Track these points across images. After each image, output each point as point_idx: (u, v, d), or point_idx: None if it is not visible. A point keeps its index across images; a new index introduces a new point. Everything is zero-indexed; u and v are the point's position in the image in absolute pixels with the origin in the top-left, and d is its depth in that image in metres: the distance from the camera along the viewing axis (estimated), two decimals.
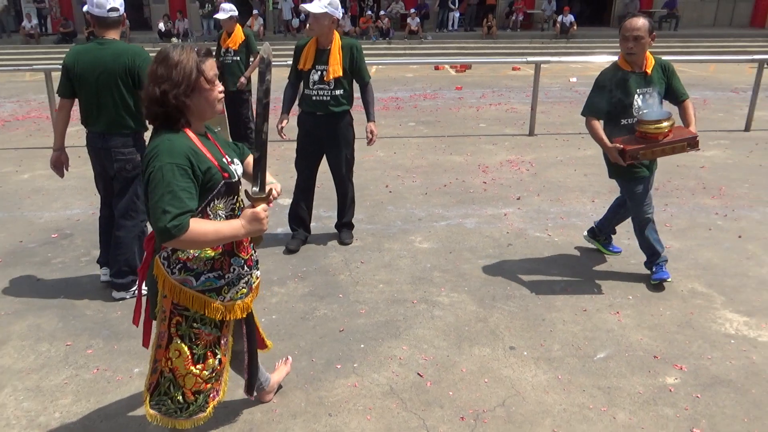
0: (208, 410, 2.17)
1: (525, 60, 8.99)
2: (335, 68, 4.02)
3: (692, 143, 3.48)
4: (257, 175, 1.96)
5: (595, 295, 3.73)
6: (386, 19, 20.06)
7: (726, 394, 2.79)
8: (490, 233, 4.68)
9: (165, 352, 2.06)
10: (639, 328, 3.33)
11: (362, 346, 3.16)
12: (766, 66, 8.40)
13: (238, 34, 6.49)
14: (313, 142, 4.26)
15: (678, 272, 3.99)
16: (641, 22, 3.46)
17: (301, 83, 4.20)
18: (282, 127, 4.24)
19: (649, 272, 3.87)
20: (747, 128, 8.25)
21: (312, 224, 4.67)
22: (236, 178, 2.02)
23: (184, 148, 1.84)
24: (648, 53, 3.57)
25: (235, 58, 6.50)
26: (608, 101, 3.57)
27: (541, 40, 19.86)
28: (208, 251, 1.97)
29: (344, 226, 4.55)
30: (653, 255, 3.80)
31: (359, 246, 4.45)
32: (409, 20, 20.05)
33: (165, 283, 1.98)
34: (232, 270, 2.05)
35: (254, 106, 6.84)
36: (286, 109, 4.24)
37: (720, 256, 4.25)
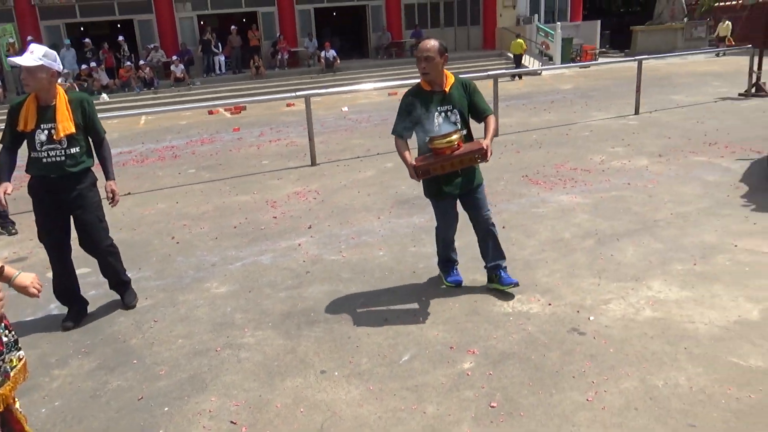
0: None
1: (296, 95, 9.26)
2: (65, 125, 3.64)
3: (480, 154, 3.55)
4: None
5: (392, 303, 3.94)
6: (147, 68, 19.19)
7: (512, 366, 3.13)
8: (287, 265, 4.69)
9: None
10: (434, 325, 3.59)
11: (166, 409, 2.94)
12: (501, 79, 9.74)
13: None
14: (53, 209, 3.76)
15: (460, 267, 4.38)
16: (432, 43, 3.60)
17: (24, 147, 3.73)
18: (5, 194, 3.61)
19: (440, 274, 4.22)
20: (495, 134, 9.44)
21: (92, 292, 4.25)
22: None
23: None
24: (447, 72, 3.70)
25: None
26: (411, 120, 3.70)
27: (309, 75, 20.64)
28: None
29: (120, 286, 4.15)
30: (449, 262, 4.15)
31: (150, 305, 4.15)
32: (173, 68, 19.41)
33: None
34: None
35: None
36: (6, 177, 3.67)
37: None
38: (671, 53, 19.28)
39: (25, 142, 3.71)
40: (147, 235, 5.63)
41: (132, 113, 11.12)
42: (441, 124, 3.65)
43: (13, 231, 6.01)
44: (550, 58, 21.87)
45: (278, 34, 22.50)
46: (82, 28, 22.73)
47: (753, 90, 11.80)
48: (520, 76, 19.17)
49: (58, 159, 3.66)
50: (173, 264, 4.89)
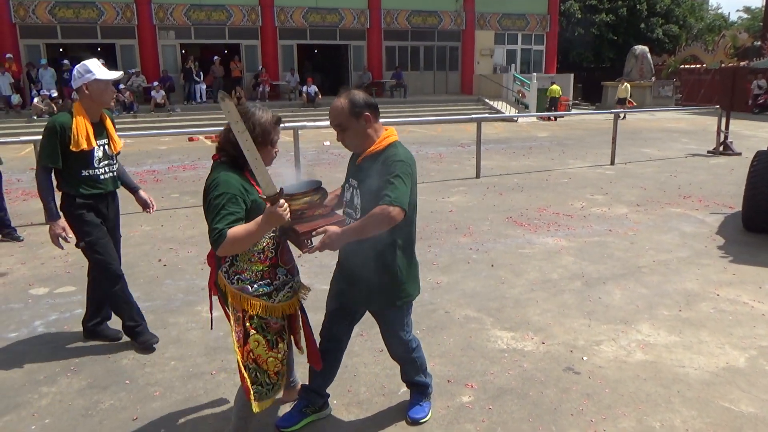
0: (281, 389, 2.60)
1: (284, 126, 9.31)
2: (117, 139, 3.64)
3: (297, 238, 2.48)
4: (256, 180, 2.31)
5: None
6: (128, 92, 19.07)
7: (511, 401, 3.15)
8: None
9: (246, 347, 2.44)
10: (431, 357, 3.58)
11: (163, 430, 2.86)
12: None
13: None
14: (102, 223, 3.60)
15: (451, 303, 4.43)
16: (339, 104, 2.56)
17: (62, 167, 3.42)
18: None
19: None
20: (477, 176, 9.65)
21: (78, 311, 4.14)
22: None
23: None
24: (388, 134, 2.62)
25: None
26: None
27: (290, 108, 20.78)
28: (257, 264, 2.45)
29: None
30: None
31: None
32: (153, 93, 19.36)
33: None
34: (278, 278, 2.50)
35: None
36: (58, 210, 3.48)
37: (481, 284, 4.83)
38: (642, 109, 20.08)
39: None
40: (133, 256, 5.52)
41: None
42: (347, 200, 2.71)
43: (20, 238, 6.22)
44: (526, 107, 22.52)
45: (260, 67, 22.71)
46: (61, 50, 22.57)
47: (721, 148, 12.34)
48: (555, 118, 20.91)
49: (113, 174, 3.63)
50: (161, 287, 4.80)
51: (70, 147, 3.38)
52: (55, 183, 3.47)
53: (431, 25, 25.78)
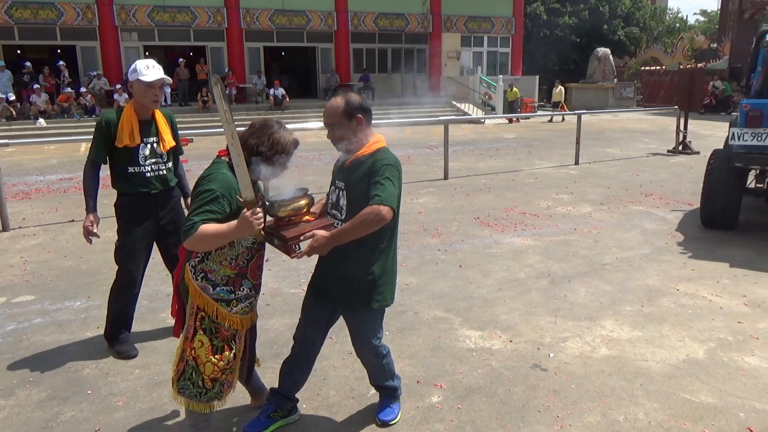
0: (223, 398, 2.58)
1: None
2: (168, 138, 3.61)
3: (284, 244, 2.47)
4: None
5: None
6: (89, 95, 18.64)
7: (480, 400, 3.17)
8: None
9: (190, 343, 2.48)
10: (400, 359, 3.60)
11: None
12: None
13: None
14: (147, 227, 3.61)
15: (420, 303, 4.45)
16: (335, 103, 2.62)
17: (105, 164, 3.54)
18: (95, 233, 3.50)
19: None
20: (445, 177, 9.72)
21: (36, 320, 4.03)
22: None
23: None
24: (376, 139, 2.67)
25: None
26: None
27: (257, 111, 20.60)
28: (227, 269, 2.48)
29: None
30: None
31: (102, 334, 3.95)
32: (115, 96, 18.91)
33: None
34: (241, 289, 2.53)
35: None
36: (95, 205, 3.53)
37: (449, 285, 4.86)
38: (600, 110, 20.52)
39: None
40: (95, 263, 5.39)
41: (73, 139, 10.70)
42: (333, 202, 2.76)
43: None
44: (493, 108, 22.77)
45: (227, 70, 22.47)
46: (18, 51, 21.95)
47: (680, 147, 12.67)
48: (518, 120, 21.64)
49: (161, 172, 3.59)
50: None
51: (116, 143, 3.45)
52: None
53: (398, 28, 25.88)
